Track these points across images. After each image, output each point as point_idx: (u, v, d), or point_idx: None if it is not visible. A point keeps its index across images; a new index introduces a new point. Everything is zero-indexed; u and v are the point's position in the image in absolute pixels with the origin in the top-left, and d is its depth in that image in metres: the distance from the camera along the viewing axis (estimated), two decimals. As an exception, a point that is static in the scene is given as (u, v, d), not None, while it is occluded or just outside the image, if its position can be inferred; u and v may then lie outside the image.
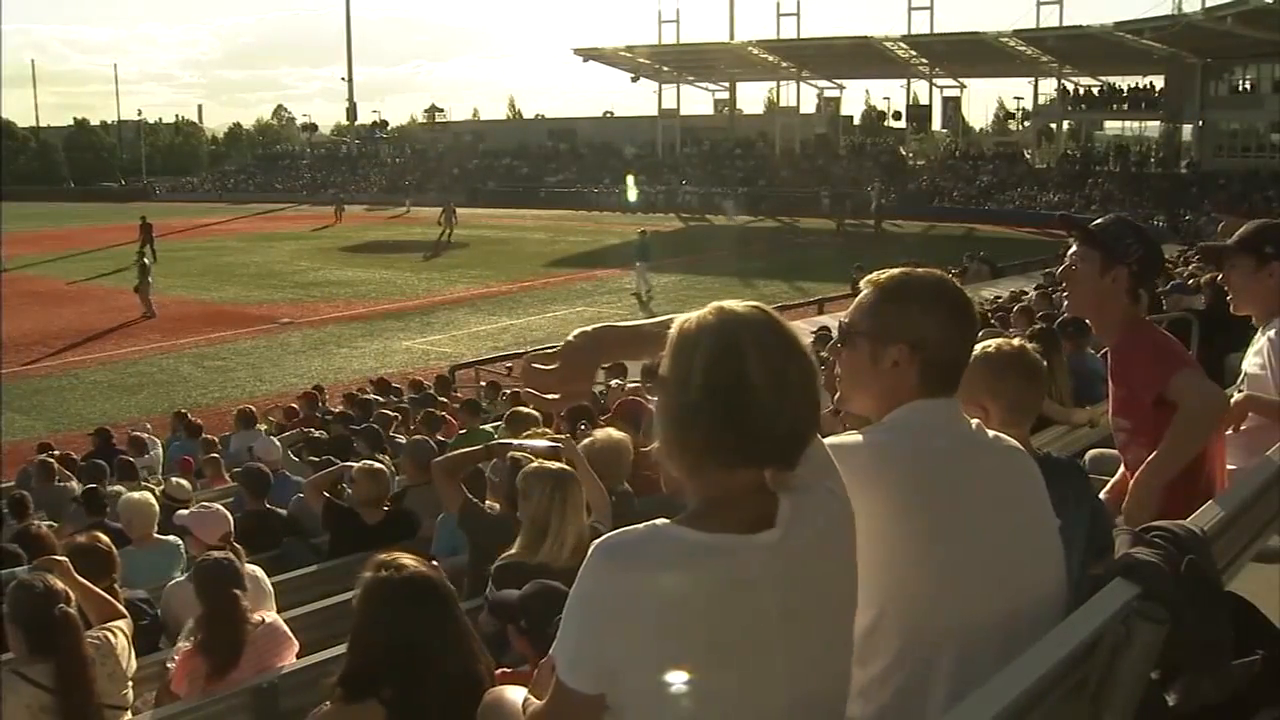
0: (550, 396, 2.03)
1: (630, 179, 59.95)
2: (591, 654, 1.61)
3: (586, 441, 5.14)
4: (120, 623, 4.06)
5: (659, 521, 1.63)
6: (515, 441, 5.06)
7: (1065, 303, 3.46)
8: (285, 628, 4.26)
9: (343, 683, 2.81)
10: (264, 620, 4.20)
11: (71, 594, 3.70)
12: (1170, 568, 1.97)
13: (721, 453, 1.63)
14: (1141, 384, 3.18)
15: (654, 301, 27.66)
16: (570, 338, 2.01)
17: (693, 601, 1.56)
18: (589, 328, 2.04)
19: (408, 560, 2.91)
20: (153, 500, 6.41)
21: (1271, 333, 3.50)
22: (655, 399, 1.74)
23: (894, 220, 45.32)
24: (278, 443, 10.95)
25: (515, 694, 2.61)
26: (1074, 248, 3.28)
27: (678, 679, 1.57)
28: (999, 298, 17.89)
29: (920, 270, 2.10)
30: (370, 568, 2.89)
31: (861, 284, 2.10)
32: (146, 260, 28.52)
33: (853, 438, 1.95)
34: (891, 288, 2.05)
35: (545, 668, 2.14)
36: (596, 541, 1.63)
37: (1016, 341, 2.92)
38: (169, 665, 4.17)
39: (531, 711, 1.96)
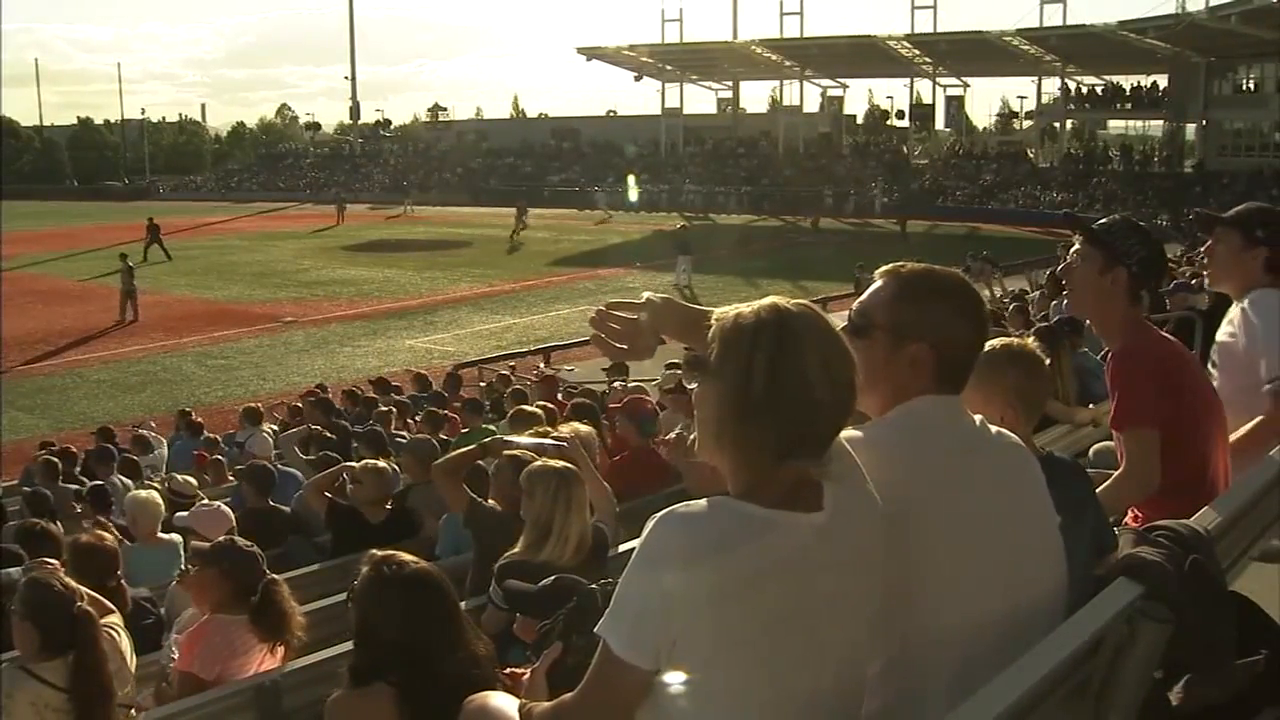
0: (620, 346, 2.03)
1: (631, 179, 59.88)
2: (654, 625, 1.61)
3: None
4: (116, 619, 4.06)
5: (717, 497, 1.66)
6: (517, 439, 5.06)
7: (1065, 301, 3.45)
8: None
9: (352, 673, 2.86)
10: None
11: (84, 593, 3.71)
12: (1174, 567, 1.97)
13: (779, 446, 1.66)
14: (1116, 407, 3.18)
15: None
16: (649, 296, 2.03)
17: (755, 574, 1.59)
18: (659, 295, 2.06)
19: (405, 557, 2.93)
20: (159, 499, 6.43)
21: (1245, 303, 3.52)
22: (699, 390, 1.74)
23: (894, 219, 45.21)
24: (269, 438, 10.97)
25: (499, 700, 2.58)
26: (1076, 245, 3.27)
27: (732, 654, 1.59)
28: (1002, 295, 17.88)
29: (939, 268, 2.07)
30: (369, 565, 2.90)
31: (877, 274, 2.06)
32: (132, 263, 27.80)
33: (854, 433, 1.92)
34: (914, 283, 2.01)
35: (539, 673, 2.12)
36: (659, 514, 1.63)
37: (1031, 340, 2.93)
38: (173, 653, 4.17)
39: (568, 699, 1.87)
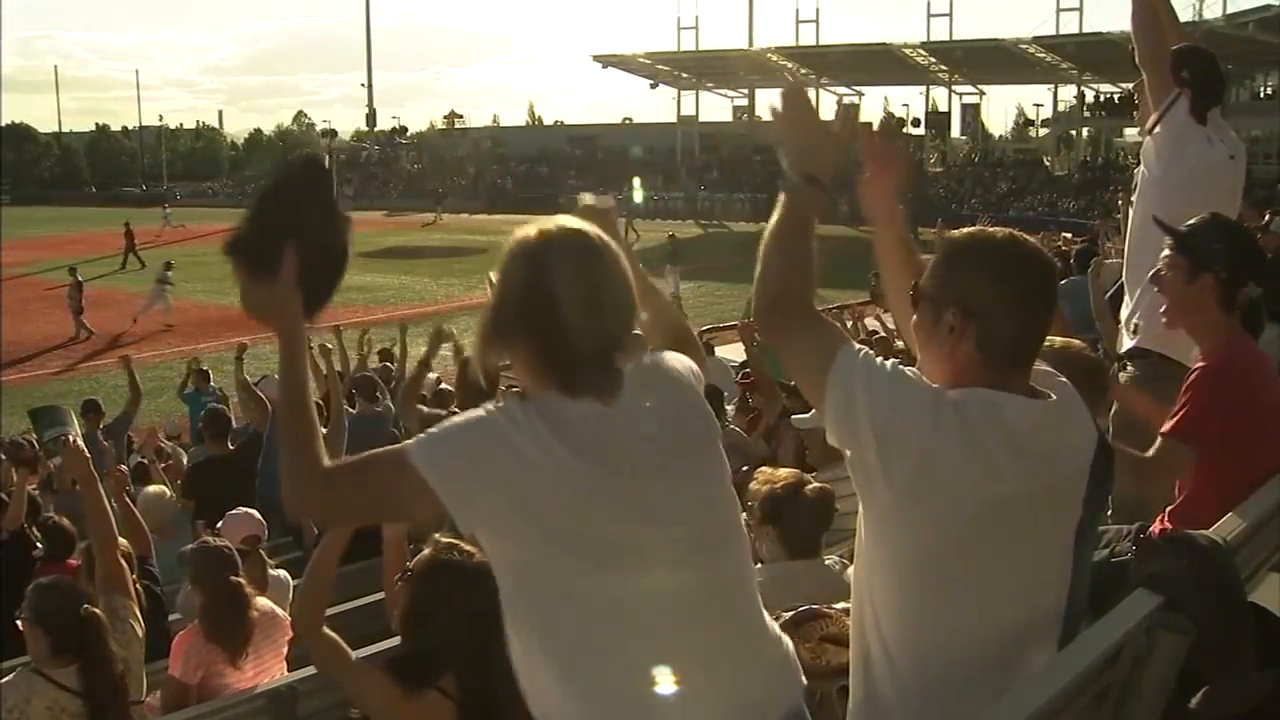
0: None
1: (636, 181, 59.64)
2: None
3: None
4: (133, 608, 4.04)
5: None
6: None
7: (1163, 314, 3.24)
8: (280, 612, 4.30)
9: (397, 666, 2.69)
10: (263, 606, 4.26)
11: (97, 597, 3.72)
12: (1193, 578, 1.96)
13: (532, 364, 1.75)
14: (1175, 414, 2.94)
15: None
16: None
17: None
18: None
19: (468, 546, 2.84)
20: (170, 493, 6.49)
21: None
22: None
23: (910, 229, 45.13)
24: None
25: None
26: (1165, 253, 3.08)
27: None
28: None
29: (990, 230, 2.01)
30: (433, 549, 2.78)
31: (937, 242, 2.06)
32: (80, 277, 26.46)
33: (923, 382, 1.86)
34: (952, 246, 1.98)
35: None
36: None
37: (1081, 345, 2.90)
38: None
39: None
